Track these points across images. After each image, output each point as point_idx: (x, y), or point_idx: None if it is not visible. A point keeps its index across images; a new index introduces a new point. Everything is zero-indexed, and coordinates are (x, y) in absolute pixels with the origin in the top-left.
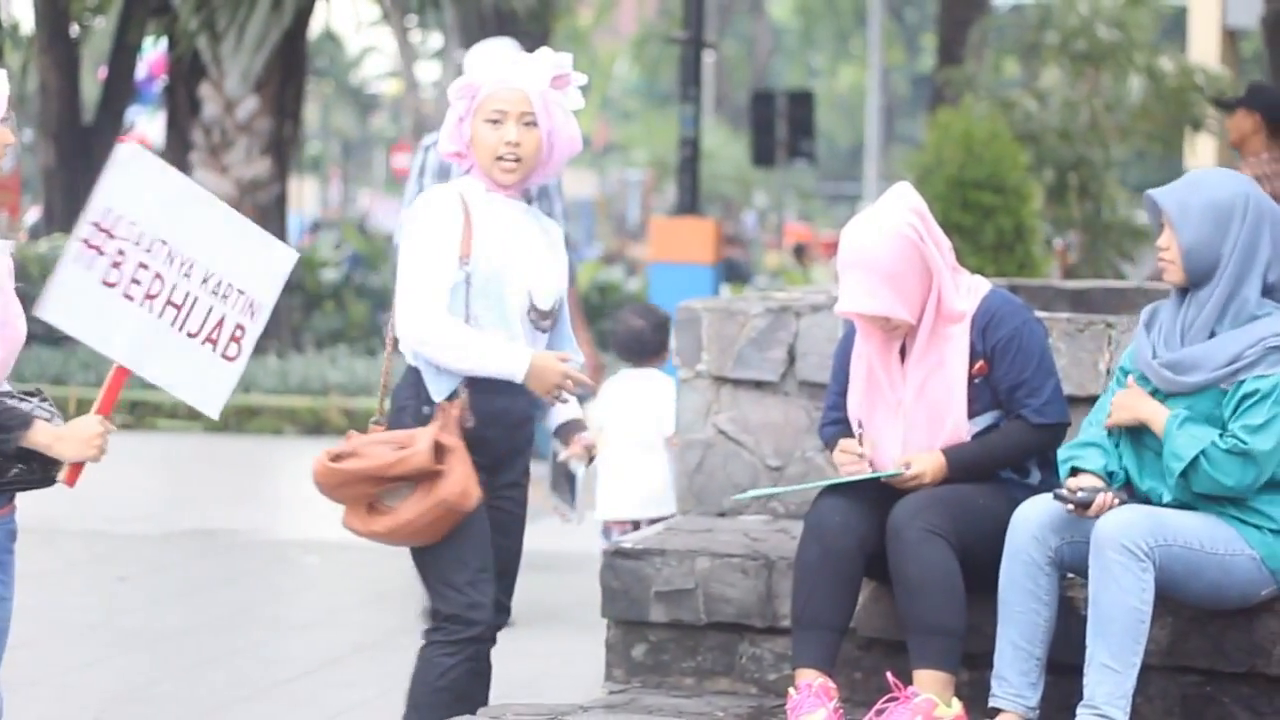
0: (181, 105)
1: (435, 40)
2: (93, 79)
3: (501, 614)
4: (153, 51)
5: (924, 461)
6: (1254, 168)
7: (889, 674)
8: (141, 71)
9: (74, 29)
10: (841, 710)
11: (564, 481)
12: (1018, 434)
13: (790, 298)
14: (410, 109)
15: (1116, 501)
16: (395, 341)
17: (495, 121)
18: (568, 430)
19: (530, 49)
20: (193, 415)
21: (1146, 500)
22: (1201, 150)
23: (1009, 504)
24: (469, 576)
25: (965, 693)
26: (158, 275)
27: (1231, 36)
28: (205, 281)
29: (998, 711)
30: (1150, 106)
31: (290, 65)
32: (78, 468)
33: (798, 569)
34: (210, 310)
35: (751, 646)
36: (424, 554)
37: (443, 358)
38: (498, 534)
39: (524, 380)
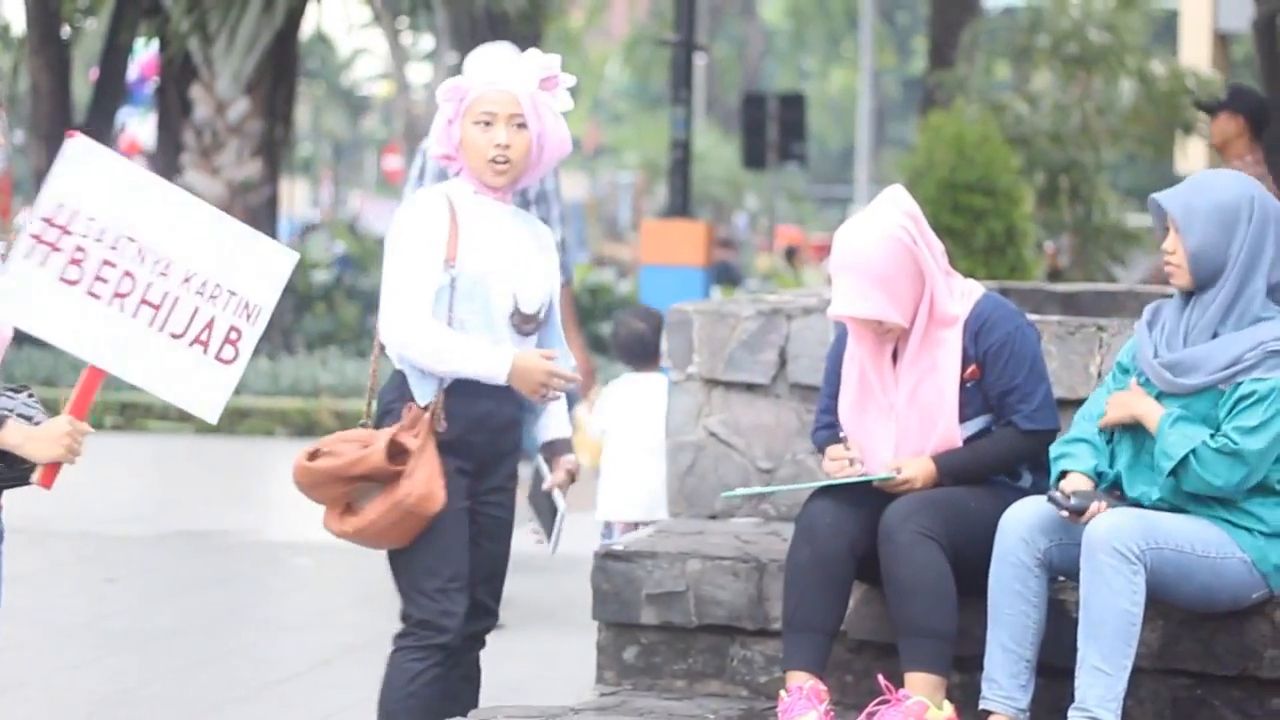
0: (173, 107)
1: (426, 42)
2: (84, 80)
3: (489, 617)
4: (144, 53)
5: (914, 467)
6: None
7: (880, 676)
8: (133, 73)
9: (65, 30)
10: (832, 713)
11: (546, 509)
12: (1008, 440)
13: (781, 300)
14: (401, 111)
15: (1107, 508)
16: (383, 345)
17: (485, 123)
18: (552, 450)
19: (522, 51)
20: (183, 417)
21: (1136, 503)
22: (1192, 154)
23: (1000, 507)
24: (441, 584)
25: (956, 695)
26: (127, 273)
27: (1223, 40)
28: (188, 281)
29: (988, 714)
30: (1141, 110)
31: (281, 67)
32: (53, 468)
33: (789, 571)
34: (196, 311)
35: (742, 649)
36: (398, 558)
37: (425, 361)
38: (483, 539)
39: (508, 380)
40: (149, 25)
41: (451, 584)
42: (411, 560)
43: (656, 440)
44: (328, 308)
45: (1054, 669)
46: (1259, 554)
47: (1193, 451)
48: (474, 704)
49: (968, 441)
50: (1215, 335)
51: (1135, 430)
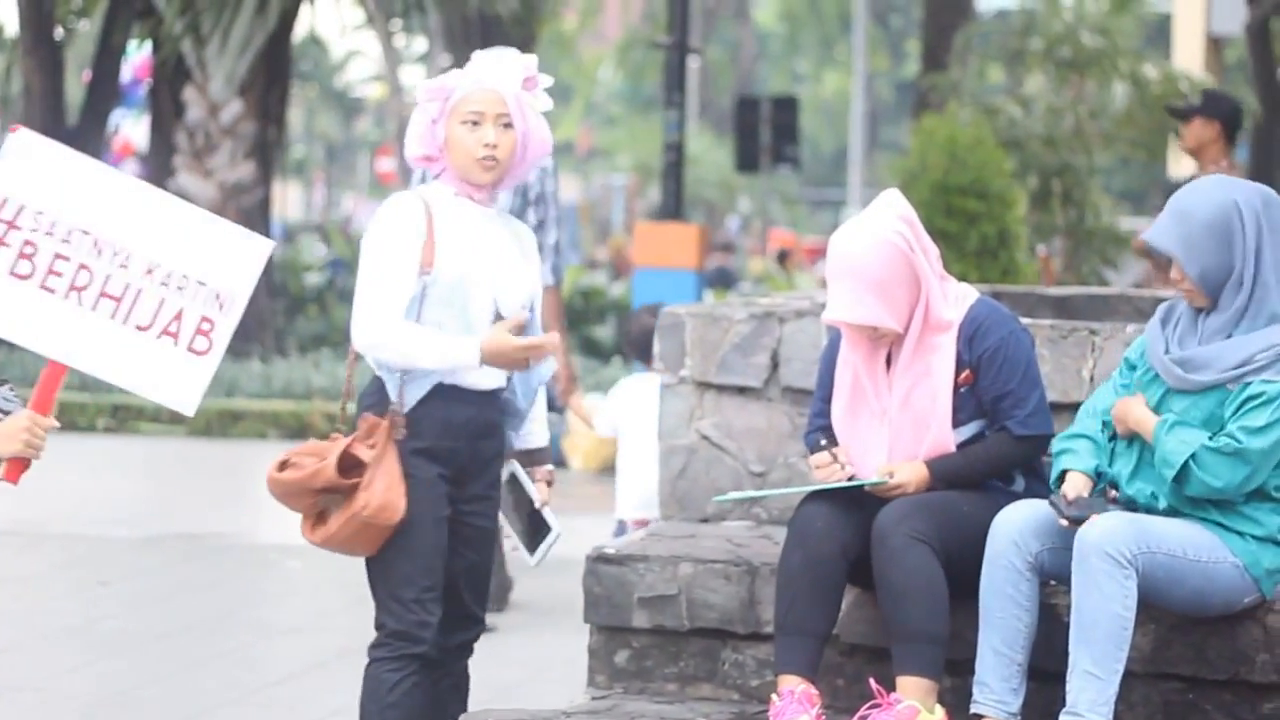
0: (166, 108)
1: (420, 45)
2: (77, 82)
3: (477, 625)
4: (137, 55)
5: (907, 471)
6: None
7: (872, 680)
8: (126, 74)
9: (58, 32)
10: (824, 717)
11: (525, 521)
12: (1001, 445)
13: (774, 303)
14: (394, 113)
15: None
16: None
17: (473, 123)
18: (530, 459)
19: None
20: (175, 419)
21: (1131, 501)
22: (1185, 157)
23: (993, 510)
24: (417, 593)
25: (948, 699)
26: (83, 266)
27: (1215, 43)
28: (151, 273)
29: (980, 718)
30: (1134, 113)
31: (274, 69)
32: (17, 464)
33: (781, 575)
34: (163, 303)
35: (734, 653)
36: (375, 566)
37: (398, 360)
38: (466, 549)
39: (483, 363)
40: (142, 27)
41: (427, 594)
42: (389, 569)
43: None
44: (320, 310)
45: (1046, 673)
46: (1251, 559)
47: (1192, 457)
48: (463, 709)
49: (961, 447)
50: (1230, 336)
51: (1138, 435)
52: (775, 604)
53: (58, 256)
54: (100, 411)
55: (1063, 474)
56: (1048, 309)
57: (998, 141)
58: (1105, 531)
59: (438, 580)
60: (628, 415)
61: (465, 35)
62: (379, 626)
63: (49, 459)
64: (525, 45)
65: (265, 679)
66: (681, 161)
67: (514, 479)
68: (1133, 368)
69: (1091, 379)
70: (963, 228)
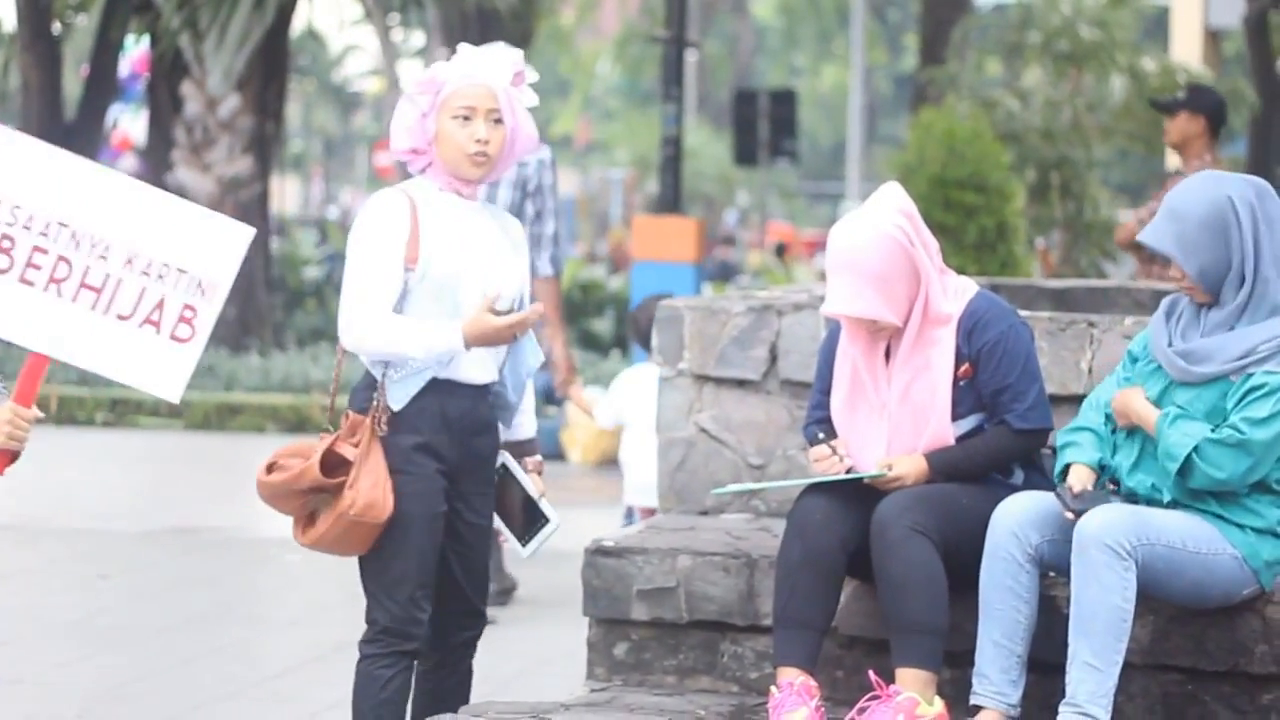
0: (163, 103)
1: (417, 39)
2: (75, 77)
3: (480, 620)
4: (135, 49)
5: (906, 464)
6: (1198, 170)
7: (871, 672)
8: (124, 69)
9: (56, 26)
10: (823, 709)
11: (518, 513)
12: (1000, 439)
13: (772, 296)
14: (392, 108)
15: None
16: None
17: (465, 118)
18: (520, 450)
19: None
20: (174, 413)
21: (1132, 493)
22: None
23: (992, 503)
24: (410, 590)
25: (947, 691)
26: (61, 259)
27: (1214, 36)
28: (130, 263)
29: (979, 709)
30: (1132, 106)
31: (272, 63)
32: (2, 456)
33: (780, 567)
34: (144, 292)
35: (733, 645)
36: (368, 561)
37: (384, 353)
38: (462, 544)
39: (469, 346)
40: (140, 22)
41: (420, 591)
42: (382, 565)
43: None
44: (318, 304)
45: (1045, 665)
46: (1250, 550)
47: (1195, 448)
48: (464, 704)
49: (960, 440)
50: (1232, 329)
51: (1139, 427)
52: (774, 596)
53: (36, 250)
54: (99, 406)
55: (1066, 467)
56: (1046, 301)
57: (996, 135)
58: (1105, 523)
59: (430, 577)
60: (633, 404)
61: (463, 30)
62: (370, 622)
63: (48, 453)
64: (523, 40)
65: (263, 672)
66: (679, 155)
67: (506, 470)
68: (1135, 360)
69: (1090, 371)
70: (961, 221)
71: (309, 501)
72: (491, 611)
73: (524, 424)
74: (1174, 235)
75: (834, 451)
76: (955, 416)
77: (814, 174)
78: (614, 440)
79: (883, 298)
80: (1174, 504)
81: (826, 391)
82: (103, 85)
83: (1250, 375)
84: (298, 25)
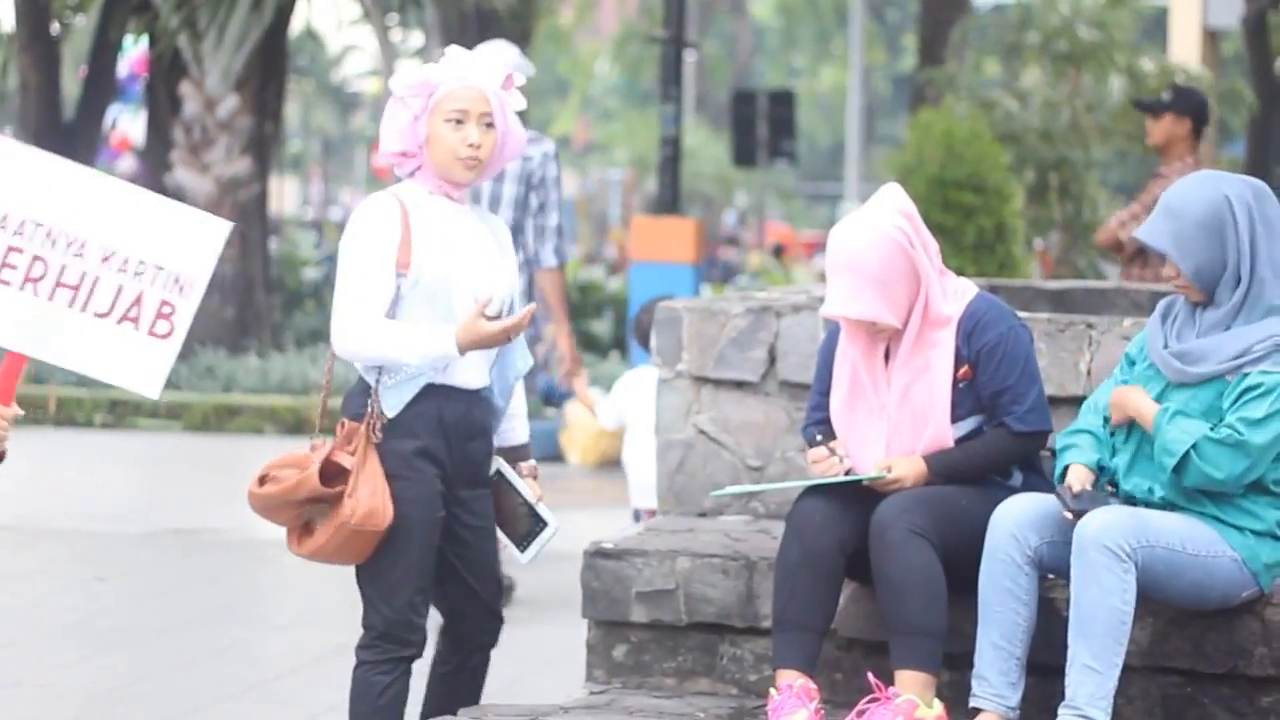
0: (162, 103)
1: (416, 39)
2: (73, 77)
3: (497, 621)
4: (134, 50)
5: (905, 466)
6: (1179, 173)
7: (870, 674)
8: (122, 70)
9: (55, 27)
10: (822, 711)
11: (517, 520)
12: (1000, 441)
13: (771, 298)
14: None
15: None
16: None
17: (457, 121)
18: (513, 456)
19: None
20: (173, 414)
21: (1130, 496)
22: None
23: (991, 505)
24: (408, 597)
25: (946, 693)
26: (37, 258)
27: (1212, 37)
28: (107, 260)
29: (978, 712)
30: (1131, 107)
31: (271, 64)
32: None
33: (779, 569)
34: (121, 289)
35: (732, 647)
36: (364, 568)
37: (378, 359)
38: (467, 547)
39: (463, 350)
40: (138, 22)
41: (418, 596)
42: (380, 571)
43: None
44: (317, 305)
45: (1044, 667)
46: (1249, 553)
47: (1193, 446)
48: (475, 702)
49: (959, 442)
50: (1228, 329)
51: (1136, 425)
52: (773, 598)
53: (11, 249)
54: (98, 407)
55: (1065, 469)
56: (1044, 302)
57: (994, 135)
58: (1104, 525)
59: (429, 582)
60: (636, 405)
61: (462, 30)
62: (367, 627)
63: (47, 455)
64: (522, 40)
65: (262, 674)
66: (678, 156)
67: (501, 477)
68: (1133, 363)
69: (1088, 372)
70: (959, 221)
71: (304, 512)
72: None
73: (516, 429)
74: (1170, 233)
75: (833, 453)
76: (954, 418)
77: (812, 175)
78: (613, 442)
79: (882, 299)
80: (1170, 504)
81: (825, 393)
82: (101, 86)
83: (1246, 375)
84: (296, 25)
